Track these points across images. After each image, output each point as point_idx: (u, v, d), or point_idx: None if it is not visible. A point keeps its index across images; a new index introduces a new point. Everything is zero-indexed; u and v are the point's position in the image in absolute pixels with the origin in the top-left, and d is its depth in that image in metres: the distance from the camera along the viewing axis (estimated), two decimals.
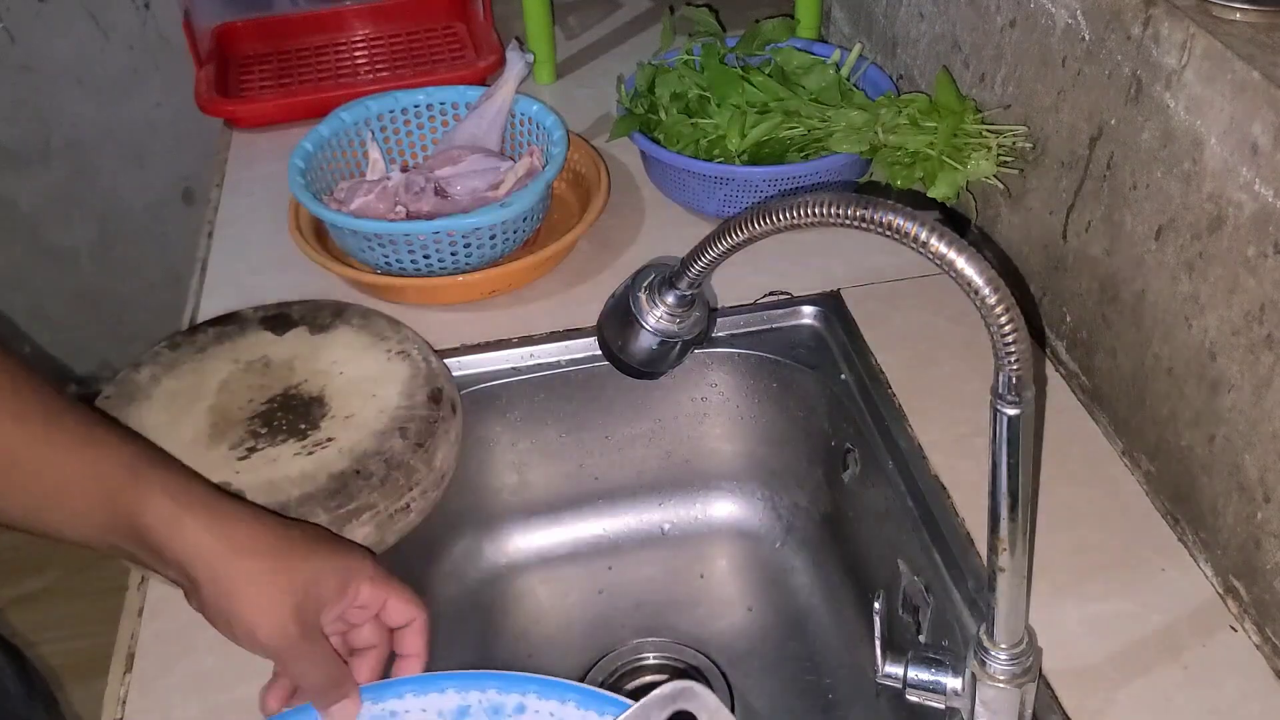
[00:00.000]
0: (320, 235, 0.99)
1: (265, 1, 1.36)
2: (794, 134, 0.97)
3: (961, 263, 0.49)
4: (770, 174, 0.94)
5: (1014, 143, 0.88)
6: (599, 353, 0.75)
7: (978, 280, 0.49)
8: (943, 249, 0.49)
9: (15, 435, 0.54)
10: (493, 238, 0.91)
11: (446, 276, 0.92)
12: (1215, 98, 0.64)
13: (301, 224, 0.97)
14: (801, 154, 0.97)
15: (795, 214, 0.53)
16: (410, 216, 0.95)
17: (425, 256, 0.90)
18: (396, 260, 0.91)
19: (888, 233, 0.50)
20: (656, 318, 0.69)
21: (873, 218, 0.50)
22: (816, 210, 0.52)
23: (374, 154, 1.02)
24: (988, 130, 0.90)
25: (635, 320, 0.69)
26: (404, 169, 1.00)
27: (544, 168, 0.95)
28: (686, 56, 1.05)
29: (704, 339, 0.73)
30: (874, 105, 0.97)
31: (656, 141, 0.99)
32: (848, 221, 0.51)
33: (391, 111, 1.04)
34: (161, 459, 0.58)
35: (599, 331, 0.73)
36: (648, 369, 0.74)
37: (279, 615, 0.55)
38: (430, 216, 0.94)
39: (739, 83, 0.99)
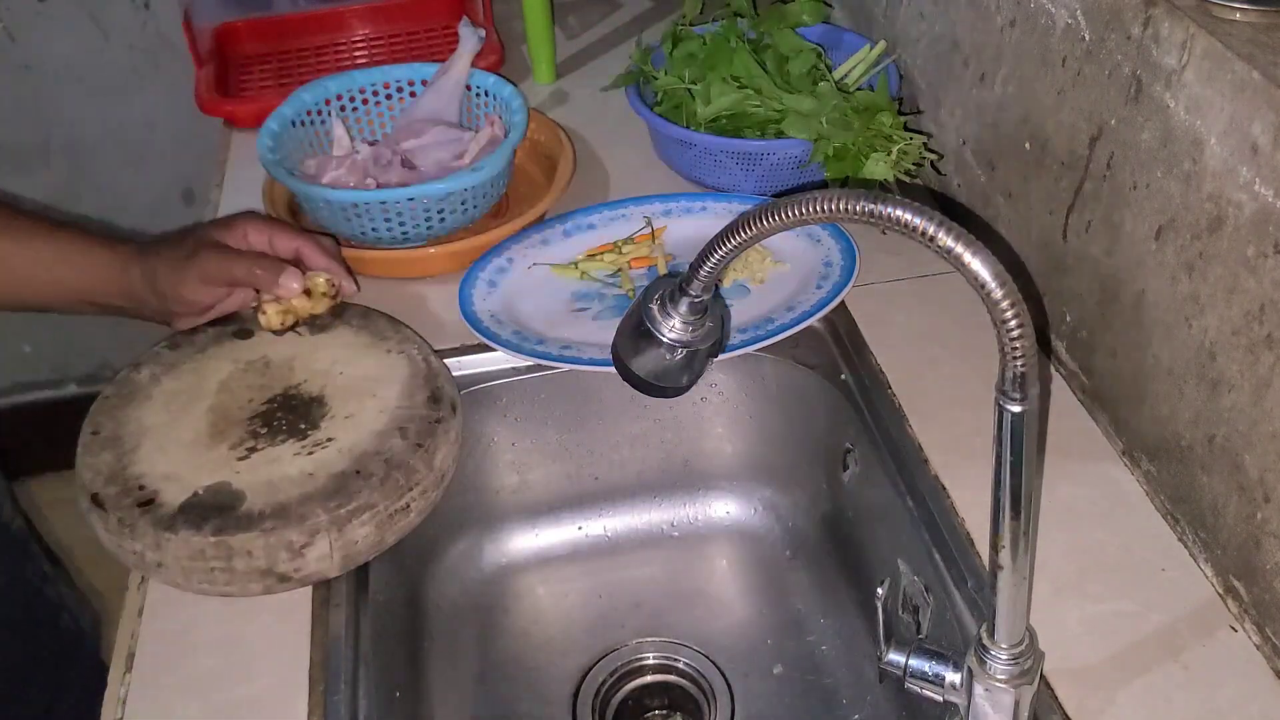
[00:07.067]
0: (293, 216, 1.01)
1: (265, 1, 1.36)
2: (757, 112, 1.00)
3: (969, 257, 0.48)
4: (725, 145, 0.98)
5: (919, 152, 0.92)
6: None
7: (984, 274, 0.48)
8: (950, 243, 0.49)
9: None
10: (464, 203, 0.94)
11: (418, 249, 0.95)
12: (1215, 98, 0.64)
13: (276, 206, 0.99)
14: (759, 132, 1.00)
15: (804, 211, 0.53)
16: (380, 188, 0.97)
17: (401, 225, 0.93)
18: (373, 229, 0.93)
19: (896, 228, 0.50)
20: (671, 327, 0.66)
21: (882, 213, 0.50)
22: (826, 207, 0.52)
23: (338, 131, 1.04)
24: (898, 134, 0.93)
25: (651, 334, 0.66)
26: (369, 144, 1.02)
27: (505, 136, 0.99)
28: (710, 25, 1.09)
29: (721, 348, 0.71)
30: (826, 96, 0.99)
31: (657, 101, 1.04)
32: (856, 217, 0.51)
33: (349, 90, 1.06)
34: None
35: (614, 353, 0.71)
36: (668, 384, 0.71)
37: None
38: (400, 187, 0.96)
39: (730, 55, 1.02)
